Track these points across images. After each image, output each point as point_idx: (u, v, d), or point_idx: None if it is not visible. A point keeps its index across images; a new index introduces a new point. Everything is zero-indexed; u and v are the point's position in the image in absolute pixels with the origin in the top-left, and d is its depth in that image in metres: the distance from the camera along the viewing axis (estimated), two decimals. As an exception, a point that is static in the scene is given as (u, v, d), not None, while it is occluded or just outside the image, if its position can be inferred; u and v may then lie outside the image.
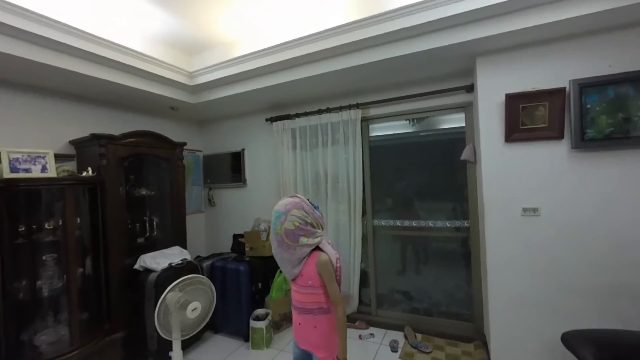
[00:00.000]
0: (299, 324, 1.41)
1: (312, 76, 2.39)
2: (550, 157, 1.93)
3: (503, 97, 2.01)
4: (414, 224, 2.79)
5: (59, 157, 2.13)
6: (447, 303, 2.77)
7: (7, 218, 1.79)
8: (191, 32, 2.34)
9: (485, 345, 2.33)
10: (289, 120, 3.11)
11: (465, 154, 2.45)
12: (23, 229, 1.90)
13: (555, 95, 1.88)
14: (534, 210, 1.97)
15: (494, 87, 2.06)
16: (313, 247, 1.35)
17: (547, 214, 1.95)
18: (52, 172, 1.94)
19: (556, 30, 1.81)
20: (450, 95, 2.52)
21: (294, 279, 1.39)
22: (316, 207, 1.40)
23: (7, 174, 1.76)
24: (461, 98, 2.50)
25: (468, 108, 2.51)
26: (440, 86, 2.52)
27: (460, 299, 2.71)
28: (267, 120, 3.25)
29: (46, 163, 1.92)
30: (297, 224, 1.30)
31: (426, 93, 2.55)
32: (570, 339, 1.55)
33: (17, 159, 1.81)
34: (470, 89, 2.40)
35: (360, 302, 2.96)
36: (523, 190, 2.00)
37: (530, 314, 1.99)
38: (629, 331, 1.52)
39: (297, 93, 2.84)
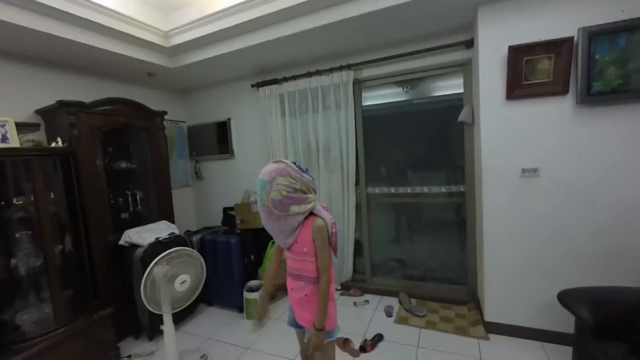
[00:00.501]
0: (292, 289, 1.35)
1: (299, 32, 2.18)
2: (553, 113, 1.83)
3: (506, 51, 1.86)
4: (408, 190, 2.72)
5: (21, 127, 1.94)
6: (441, 269, 2.77)
7: (-32, 193, 1.63)
8: (162, -18, 2.08)
9: (479, 307, 2.35)
10: (276, 85, 2.91)
11: (463, 116, 2.33)
12: (-11, 205, 1.75)
13: (562, 45, 1.74)
14: (534, 170, 1.89)
15: (496, 39, 1.91)
16: (306, 214, 1.25)
17: (547, 174, 1.87)
18: (14, 142, 1.76)
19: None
20: (448, 52, 2.35)
21: (289, 248, 1.30)
22: (305, 171, 1.27)
23: (-39, 144, 1.59)
24: (460, 55, 2.34)
25: (467, 67, 2.36)
26: (437, 43, 2.34)
27: (454, 265, 2.71)
28: (252, 86, 3.04)
29: (6, 132, 1.73)
30: (285, 192, 1.18)
31: (422, 50, 2.38)
32: (566, 297, 1.53)
33: (-29, 128, 1.62)
34: (470, 44, 2.23)
35: (355, 270, 2.95)
36: (523, 150, 1.91)
37: (526, 276, 1.98)
38: (628, 288, 1.50)
39: (284, 55, 2.62)
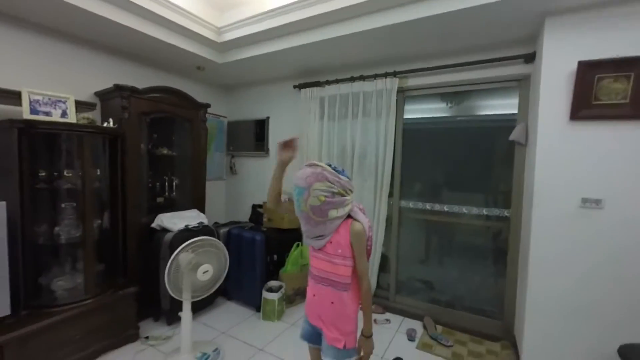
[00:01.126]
0: (314, 295, 1.27)
1: (347, 35, 2.15)
2: (627, 140, 1.61)
3: (574, 66, 1.68)
4: (445, 208, 2.55)
5: (80, 105, 2.08)
6: (472, 298, 2.55)
7: (27, 160, 1.76)
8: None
9: (514, 346, 2.11)
10: (318, 88, 2.90)
11: (515, 134, 2.15)
12: (44, 174, 1.88)
13: (645, 64, 1.54)
14: (597, 202, 1.68)
15: (564, 53, 1.74)
16: (345, 217, 1.20)
17: (613, 208, 1.65)
18: (72, 118, 1.89)
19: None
20: (505, 66, 2.20)
21: (321, 247, 1.22)
22: (341, 172, 1.20)
23: (26, 115, 1.72)
24: (517, 69, 2.17)
25: (524, 82, 2.18)
26: (492, 55, 2.20)
27: (488, 295, 2.48)
28: (295, 87, 3.06)
29: (67, 108, 1.86)
30: (323, 198, 1.12)
31: (477, 62, 2.24)
32: (630, 353, 1.31)
33: (37, 101, 1.75)
34: (531, 58, 2.06)
35: (378, 285, 2.81)
36: (585, 178, 1.71)
37: (579, 320, 1.74)
38: None
39: (328, 57, 2.61)
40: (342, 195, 1.17)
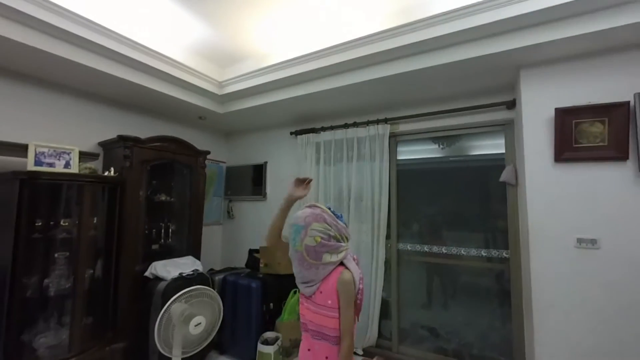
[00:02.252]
0: (309, 349, 1.21)
1: (341, 87, 2.32)
2: (613, 180, 1.67)
3: (552, 112, 1.80)
4: (443, 250, 2.53)
5: (84, 155, 2.15)
6: (480, 344, 2.41)
7: (26, 211, 1.77)
8: (224, 43, 2.36)
9: (528, 401, 1.96)
10: (314, 134, 3.03)
11: (505, 176, 2.21)
12: (40, 223, 1.88)
13: (616, 110, 1.65)
14: (592, 241, 1.68)
15: (540, 101, 1.86)
16: (337, 264, 1.18)
17: (609, 247, 1.65)
18: (74, 169, 1.95)
19: (618, 38, 1.61)
20: (489, 112, 2.34)
21: (311, 295, 1.20)
22: (339, 217, 1.23)
23: (30, 167, 1.77)
24: (501, 115, 2.30)
25: (508, 126, 2.31)
26: (477, 102, 2.35)
27: (496, 341, 2.35)
28: (291, 133, 3.19)
29: (70, 159, 1.93)
30: (319, 239, 1.13)
31: (462, 109, 2.38)
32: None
33: (42, 153, 1.82)
34: (512, 105, 2.21)
35: (380, 334, 2.66)
36: (578, 218, 1.73)
37: (591, 366, 1.65)
38: None
39: (323, 105, 2.77)
40: (338, 241, 1.17)
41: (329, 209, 1.23)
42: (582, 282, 1.69)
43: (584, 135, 1.73)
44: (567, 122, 1.76)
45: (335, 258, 1.16)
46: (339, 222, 1.20)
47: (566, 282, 1.73)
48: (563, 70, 1.83)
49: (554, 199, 1.79)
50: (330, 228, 1.16)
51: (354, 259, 1.23)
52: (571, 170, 1.77)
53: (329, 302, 1.15)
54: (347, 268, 1.17)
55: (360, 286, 1.17)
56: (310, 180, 1.29)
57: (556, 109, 1.78)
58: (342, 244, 1.19)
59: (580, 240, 1.71)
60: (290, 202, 1.27)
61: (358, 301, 1.16)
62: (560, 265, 1.75)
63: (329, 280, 1.16)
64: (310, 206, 1.22)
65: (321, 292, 1.16)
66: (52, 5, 1.70)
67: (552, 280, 1.76)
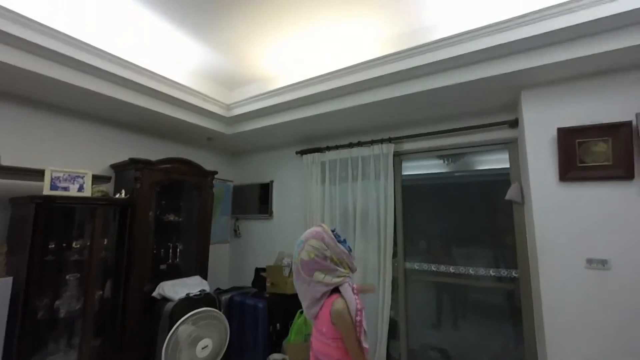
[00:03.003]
0: None
1: (345, 108, 2.37)
2: (619, 199, 1.65)
3: (554, 132, 1.81)
4: (451, 269, 2.49)
5: (96, 179, 2.22)
6: (493, 368, 2.34)
7: (40, 234, 1.83)
8: (230, 67, 2.46)
9: None
10: (319, 154, 3.08)
11: (511, 194, 2.21)
12: (53, 246, 1.93)
13: (619, 130, 1.66)
14: (603, 262, 1.65)
15: (543, 121, 1.88)
16: (330, 287, 1.16)
17: (621, 268, 1.62)
18: (87, 192, 2.01)
19: (619, 59, 1.63)
20: (492, 130, 2.35)
21: (313, 319, 1.22)
22: (342, 241, 1.24)
23: (46, 191, 1.84)
24: (504, 134, 2.32)
25: (512, 144, 2.32)
26: (480, 121, 2.37)
27: (509, 364, 2.28)
28: (297, 153, 3.25)
29: (84, 183, 1.99)
30: (313, 255, 1.16)
31: (465, 128, 2.41)
32: None
33: (58, 178, 1.90)
34: (515, 124, 2.23)
35: (388, 355, 2.61)
36: (587, 238, 1.71)
37: (607, 395, 1.59)
38: None
39: (328, 126, 2.83)
40: (335, 264, 1.18)
41: (333, 231, 1.25)
42: (595, 304, 1.65)
43: (588, 155, 1.74)
44: (570, 141, 1.77)
45: (328, 280, 1.15)
46: (339, 245, 1.21)
47: (578, 303, 1.69)
48: (565, 91, 1.85)
49: (561, 218, 1.78)
50: (326, 248, 1.18)
51: (353, 288, 1.18)
52: (577, 190, 1.76)
53: (324, 330, 1.15)
54: (342, 296, 1.15)
55: (358, 318, 1.10)
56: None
57: (558, 129, 1.79)
58: (340, 269, 1.19)
59: (590, 261, 1.68)
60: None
61: (357, 334, 1.10)
62: (571, 286, 1.71)
63: (324, 307, 1.17)
64: (318, 225, 1.29)
65: (318, 318, 1.18)
66: (66, 37, 1.79)
67: (563, 301, 1.73)
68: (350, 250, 1.25)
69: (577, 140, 1.75)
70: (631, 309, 1.59)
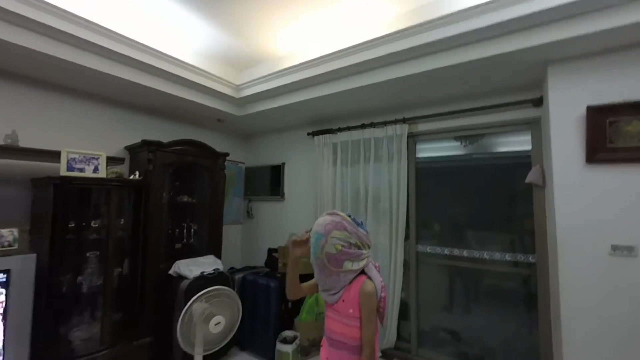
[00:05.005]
0: (327, 358, 1.21)
1: (357, 87, 2.28)
2: (651, 183, 1.54)
3: (583, 110, 1.68)
4: (465, 253, 2.45)
5: (111, 160, 2.26)
6: (504, 350, 2.33)
7: (60, 213, 1.89)
8: (239, 46, 2.40)
9: (555, 414, 1.87)
10: (330, 135, 3.02)
11: (532, 177, 2.10)
12: (73, 225, 2.01)
13: (657, 107, 1.52)
14: (629, 249, 1.56)
15: (570, 98, 1.75)
16: (358, 271, 1.17)
17: (648, 255, 1.53)
18: (102, 173, 2.05)
19: (658, 29, 1.48)
20: (513, 109, 2.22)
21: (334, 303, 1.20)
22: (360, 224, 1.22)
23: (63, 172, 1.89)
24: (526, 113, 2.18)
25: (535, 124, 2.19)
26: (500, 100, 2.24)
27: (521, 348, 2.26)
28: (308, 134, 3.20)
29: (98, 164, 2.03)
30: (340, 247, 1.13)
31: (484, 107, 2.28)
32: None
33: (74, 159, 1.94)
34: (539, 102, 2.09)
35: (399, 336, 2.63)
36: (612, 222, 1.62)
37: (623, 384, 1.55)
38: None
39: (340, 106, 2.75)
40: (359, 248, 1.17)
41: (349, 216, 1.21)
42: (617, 292, 1.58)
43: (619, 135, 1.61)
44: (600, 120, 1.64)
45: (356, 266, 1.15)
46: (360, 229, 1.19)
47: (599, 292, 1.62)
48: (595, 66, 1.70)
49: (586, 202, 1.68)
50: (350, 236, 1.15)
51: (375, 267, 1.22)
52: (604, 172, 1.65)
53: (351, 311, 1.14)
54: (369, 277, 1.17)
55: (383, 294, 1.17)
56: (308, 238, 1.22)
57: (588, 107, 1.66)
58: (364, 251, 1.18)
59: (615, 248, 1.60)
60: (294, 262, 1.28)
61: (381, 309, 1.16)
62: (592, 274, 1.64)
63: (351, 289, 1.16)
64: (330, 213, 1.21)
65: (343, 301, 1.16)
66: (82, 20, 1.79)
67: (583, 289, 1.66)
68: (367, 230, 1.23)
69: (608, 120, 1.62)
70: (656, 298, 1.52)
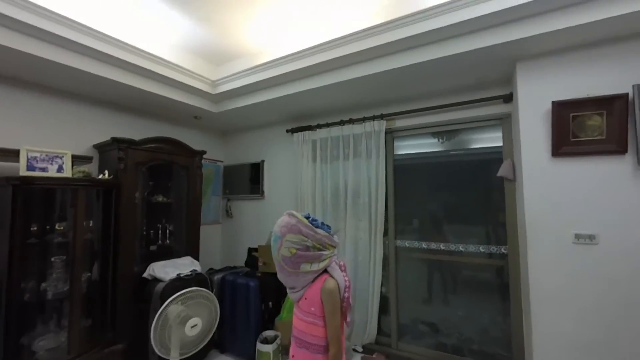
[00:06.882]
0: (292, 356, 1.21)
1: (335, 83, 2.28)
2: (611, 174, 1.64)
3: (548, 105, 1.76)
4: (442, 247, 2.51)
5: (78, 159, 2.15)
6: (481, 340, 2.41)
7: (20, 216, 1.77)
8: (216, 41, 2.34)
9: (527, 397, 1.95)
10: (309, 132, 3.00)
11: (503, 170, 2.18)
12: (35, 228, 1.88)
13: (614, 102, 1.61)
14: (590, 237, 1.66)
15: (537, 94, 1.83)
16: (319, 272, 1.16)
17: (608, 243, 1.63)
18: (67, 173, 1.94)
19: (616, 28, 1.56)
20: (485, 106, 2.30)
21: (297, 301, 1.20)
22: (319, 225, 1.18)
23: (23, 172, 1.77)
24: (498, 109, 2.26)
25: (505, 120, 2.27)
26: (473, 96, 2.31)
27: (497, 336, 2.35)
28: (287, 131, 3.17)
29: (63, 163, 1.92)
30: (295, 250, 1.12)
31: (458, 103, 2.35)
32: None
33: (34, 158, 1.82)
34: (509, 98, 2.17)
35: (380, 331, 2.67)
36: (576, 213, 1.70)
37: (592, 358, 1.63)
38: None
39: (319, 103, 2.74)
40: (319, 250, 1.15)
41: (308, 217, 1.18)
42: (580, 277, 1.67)
43: (582, 129, 1.70)
44: (564, 115, 1.72)
45: (316, 267, 1.14)
46: (318, 231, 1.16)
47: (564, 277, 1.71)
48: (560, 63, 1.78)
49: (551, 194, 1.77)
50: (306, 239, 1.13)
51: (340, 266, 1.21)
52: (569, 165, 1.74)
53: (312, 309, 1.14)
54: (331, 276, 1.16)
55: (346, 294, 1.16)
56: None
57: (553, 102, 1.74)
58: (324, 252, 1.16)
59: (578, 236, 1.69)
60: None
61: (343, 308, 1.15)
62: (558, 261, 1.73)
63: (313, 287, 1.16)
64: (288, 214, 1.19)
65: (306, 299, 1.16)
66: (39, 8, 1.67)
67: (550, 275, 1.74)
68: (329, 228, 1.20)
69: (572, 114, 1.71)
70: (611, 279, 1.62)
